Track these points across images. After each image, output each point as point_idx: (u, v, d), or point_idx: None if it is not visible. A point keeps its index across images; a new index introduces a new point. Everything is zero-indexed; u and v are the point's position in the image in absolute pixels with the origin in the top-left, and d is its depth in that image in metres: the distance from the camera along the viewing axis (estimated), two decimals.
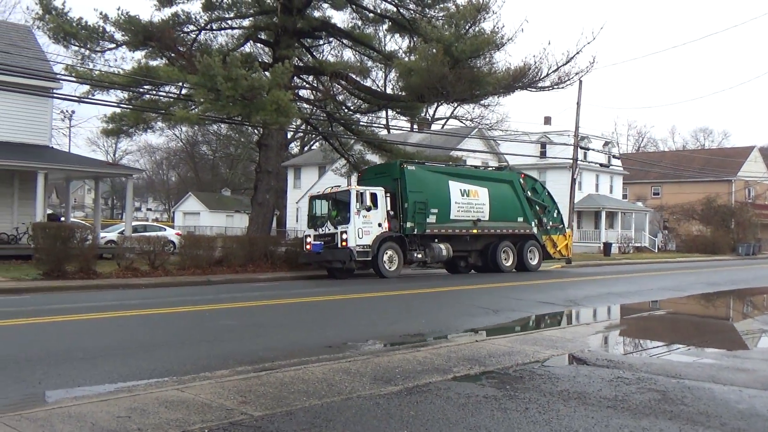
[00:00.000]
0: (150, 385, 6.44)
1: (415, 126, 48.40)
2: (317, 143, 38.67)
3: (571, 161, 35.78)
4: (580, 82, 31.24)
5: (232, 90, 19.20)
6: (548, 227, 26.46)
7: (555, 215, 27.07)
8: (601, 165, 50.26)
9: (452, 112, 60.98)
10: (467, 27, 21.85)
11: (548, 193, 27.28)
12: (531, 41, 31.23)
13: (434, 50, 21.10)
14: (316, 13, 27.20)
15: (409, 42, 27.70)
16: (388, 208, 21.93)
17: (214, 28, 26.74)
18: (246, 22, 27.10)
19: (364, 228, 21.06)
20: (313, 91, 30.49)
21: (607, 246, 44.28)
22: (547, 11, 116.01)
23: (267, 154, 25.44)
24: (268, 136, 25.05)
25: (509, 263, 24.62)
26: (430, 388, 6.26)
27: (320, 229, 21.98)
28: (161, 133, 68.80)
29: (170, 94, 24.21)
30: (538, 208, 26.04)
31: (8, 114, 25.25)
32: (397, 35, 29.39)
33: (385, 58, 28.42)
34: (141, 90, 24.76)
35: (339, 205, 21.96)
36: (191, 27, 25.55)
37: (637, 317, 14.08)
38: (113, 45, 23.85)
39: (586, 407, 5.65)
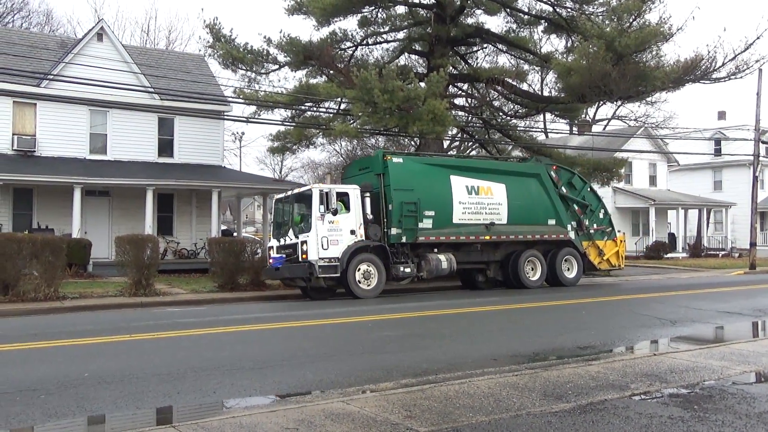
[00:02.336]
0: (316, 397, 6.48)
1: (575, 129, 46.77)
2: (474, 151, 38.36)
3: (751, 158, 32.86)
4: (760, 70, 28.64)
5: (389, 102, 19.45)
6: (591, 231, 21.65)
7: (601, 216, 22.19)
8: None
9: (614, 113, 58.29)
10: (631, 20, 20.70)
11: (591, 188, 22.66)
12: (703, 30, 29.12)
13: (595, 47, 20.16)
14: (470, 20, 27.04)
15: (567, 41, 26.80)
16: (368, 211, 17.96)
17: (370, 43, 27.39)
18: (400, 35, 27.50)
19: (330, 236, 17.17)
20: (469, 99, 30.30)
21: None
22: None
23: None
24: (425, 147, 25.13)
25: (536, 277, 20.12)
26: (606, 406, 5.78)
27: (283, 239, 18.31)
28: (323, 149, 71.34)
29: (330, 110, 25.06)
30: (576, 208, 21.44)
31: (186, 137, 27.28)
32: (553, 36, 28.58)
33: (541, 60, 27.67)
34: (302, 108, 25.81)
35: (302, 208, 18.30)
36: (348, 44, 26.32)
37: None
38: (276, 66, 25.08)
39: None
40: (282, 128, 26.61)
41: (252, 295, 18.39)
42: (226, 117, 28.56)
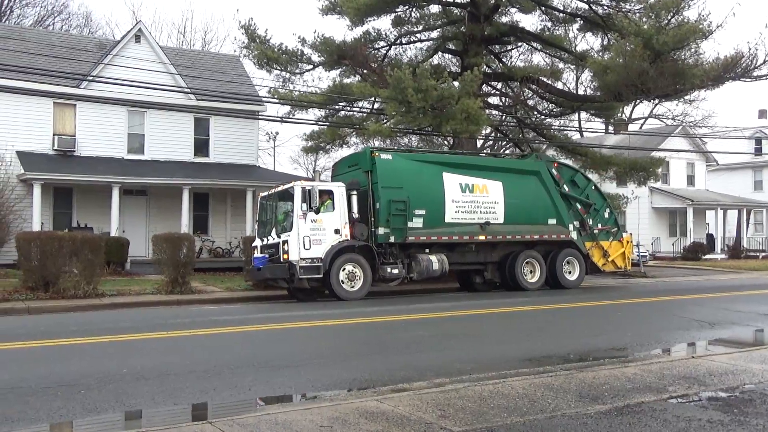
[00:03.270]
0: (350, 395, 6.50)
1: (611, 128, 46.21)
2: (507, 150, 38.15)
3: None
4: None
5: (423, 101, 19.41)
6: (595, 231, 20.62)
7: (606, 216, 21.11)
8: None
9: (651, 111, 57.47)
10: (669, 17, 20.37)
11: (595, 186, 21.53)
12: (744, 26, 28.58)
13: (632, 45, 19.90)
14: (504, 19, 26.89)
15: (603, 39, 26.49)
16: (354, 210, 17.20)
17: (404, 42, 27.38)
18: (434, 34, 27.45)
19: (312, 236, 16.45)
20: (503, 98, 30.13)
21: None
22: None
23: None
24: (458, 146, 25.04)
25: (534, 278, 19.30)
26: (643, 408, 5.71)
27: (266, 238, 17.70)
28: (356, 148, 71.45)
29: (363, 110, 25.13)
30: (579, 207, 20.42)
31: (221, 137, 27.59)
32: (588, 34, 28.26)
33: (576, 58, 27.40)
34: (336, 107, 25.92)
35: (285, 207, 17.59)
36: (382, 43, 26.36)
37: None
38: (310, 66, 25.23)
39: None
40: (316, 128, 26.76)
41: (284, 293, 18.47)
42: (260, 117, 28.80)
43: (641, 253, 30.72)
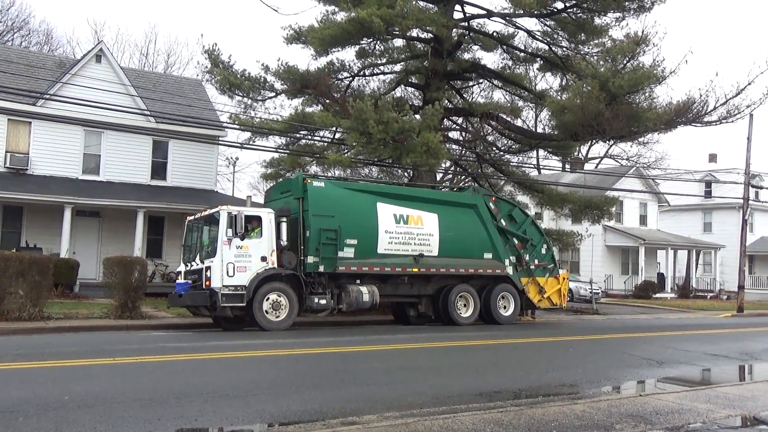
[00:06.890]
0: (299, 429, 6.40)
1: (568, 166, 47.12)
2: (467, 185, 38.53)
3: (741, 201, 33.11)
4: (751, 115, 28.98)
5: (383, 133, 19.53)
6: (531, 267, 20.38)
7: (543, 251, 20.92)
8: None
9: (607, 151, 58.83)
10: (625, 61, 20.97)
11: (533, 221, 21.45)
12: (695, 73, 29.58)
13: (589, 87, 20.40)
14: (466, 55, 27.33)
15: (561, 80, 27.13)
16: (283, 237, 16.82)
17: (367, 74, 27.63)
18: (397, 67, 27.75)
19: (237, 263, 15.93)
20: (463, 133, 30.52)
21: None
22: (715, 41, 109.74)
23: None
24: (418, 179, 25.21)
25: (468, 313, 18.96)
26: None
27: (190, 264, 17.19)
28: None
29: (324, 139, 25.15)
30: (516, 242, 20.18)
31: (180, 161, 27.33)
32: (548, 73, 28.92)
33: (536, 97, 27.96)
34: (297, 135, 25.90)
35: (210, 232, 17.02)
36: (345, 74, 26.51)
37: None
38: (273, 94, 25.21)
39: None
40: (276, 155, 26.68)
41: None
42: (220, 142, 28.63)
43: (594, 290, 31.21)
